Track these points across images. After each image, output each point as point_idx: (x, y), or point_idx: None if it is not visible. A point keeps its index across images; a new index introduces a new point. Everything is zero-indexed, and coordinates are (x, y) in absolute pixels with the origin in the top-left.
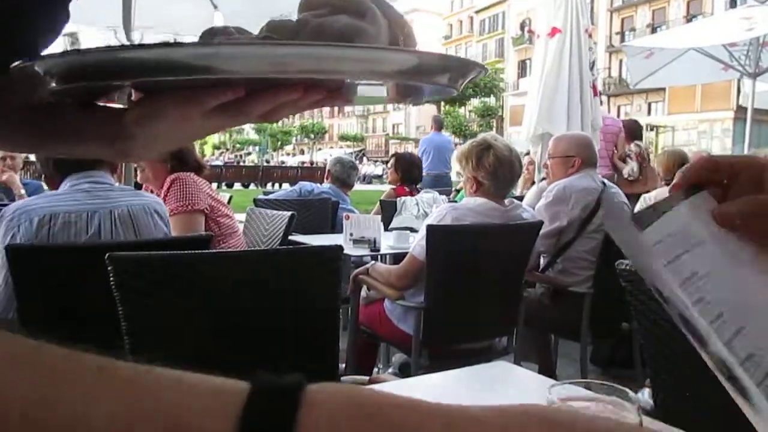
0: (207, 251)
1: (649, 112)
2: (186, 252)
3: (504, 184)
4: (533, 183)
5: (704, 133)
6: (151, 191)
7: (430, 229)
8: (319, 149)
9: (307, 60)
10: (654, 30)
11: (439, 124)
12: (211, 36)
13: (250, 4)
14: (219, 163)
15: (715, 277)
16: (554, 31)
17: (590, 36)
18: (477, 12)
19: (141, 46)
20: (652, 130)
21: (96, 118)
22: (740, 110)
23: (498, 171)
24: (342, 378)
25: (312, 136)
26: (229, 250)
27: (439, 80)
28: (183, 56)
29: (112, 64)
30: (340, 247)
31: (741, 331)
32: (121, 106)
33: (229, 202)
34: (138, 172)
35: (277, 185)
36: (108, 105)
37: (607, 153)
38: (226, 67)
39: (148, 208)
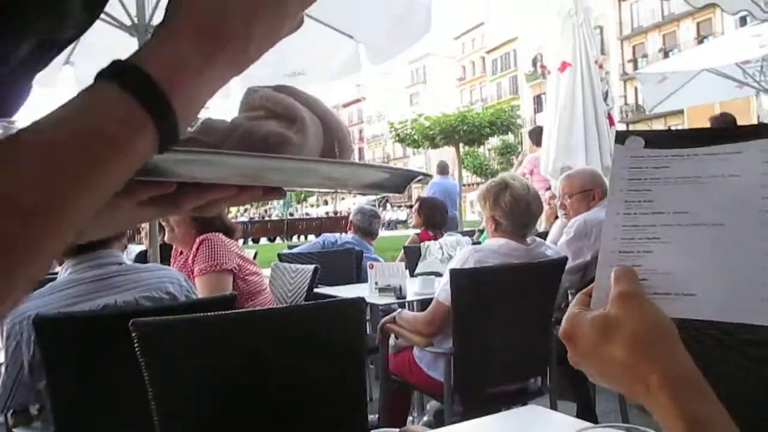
0: (228, 311)
1: None
2: (208, 314)
3: (521, 223)
4: (557, 217)
5: None
6: (180, 252)
7: (454, 273)
8: (343, 198)
9: (227, 169)
10: (666, 54)
11: (442, 169)
12: None
13: (262, 63)
14: (244, 219)
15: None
16: (564, 66)
17: (601, 67)
18: (488, 52)
19: None
20: None
21: None
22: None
23: (514, 210)
24: (372, 431)
25: None
26: (251, 308)
27: (369, 190)
28: None
29: None
30: (361, 300)
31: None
32: None
33: (254, 258)
34: (166, 232)
35: (302, 237)
36: None
37: None
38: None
39: (159, 291)
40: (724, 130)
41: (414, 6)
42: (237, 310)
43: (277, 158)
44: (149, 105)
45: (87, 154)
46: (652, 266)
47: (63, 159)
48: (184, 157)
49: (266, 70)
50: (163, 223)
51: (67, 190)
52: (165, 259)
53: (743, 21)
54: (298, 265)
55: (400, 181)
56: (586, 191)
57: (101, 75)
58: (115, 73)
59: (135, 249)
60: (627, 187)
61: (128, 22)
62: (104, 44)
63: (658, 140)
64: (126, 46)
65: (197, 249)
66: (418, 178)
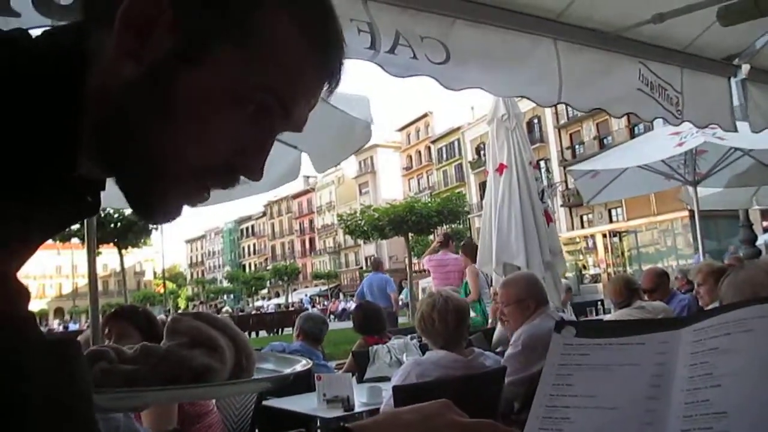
0: None
1: (610, 219)
2: None
3: (440, 338)
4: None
5: (667, 231)
6: None
7: (396, 389)
8: (295, 289)
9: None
10: (601, 141)
11: (376, 265)
12: (94, 360)
13: None
14: None
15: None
16: (502, 167)
17: (535, 167)
18: (433, 142)
19: None
20: (615, 236)
21: None
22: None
23: (429, 328)
24: None
25: (285, 278)
26: None
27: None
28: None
29: None
30: None
31: None
32: None
33: None
34: None
35: (254, 334)
36: None
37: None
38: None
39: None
40: (640, 323)
41: (354, 122)
42: None
43: (197, 387)
44: None
45: None
46: None
47: None
48: (125, 395)
49: None
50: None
51: None
52: None
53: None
54: None
55: (288, 379)
56: (521, 301)
57: None
58: None
59: None
60: (556, 372)
61: None
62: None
63: (586, 330)
64: None
65: None
66: (300, 370)
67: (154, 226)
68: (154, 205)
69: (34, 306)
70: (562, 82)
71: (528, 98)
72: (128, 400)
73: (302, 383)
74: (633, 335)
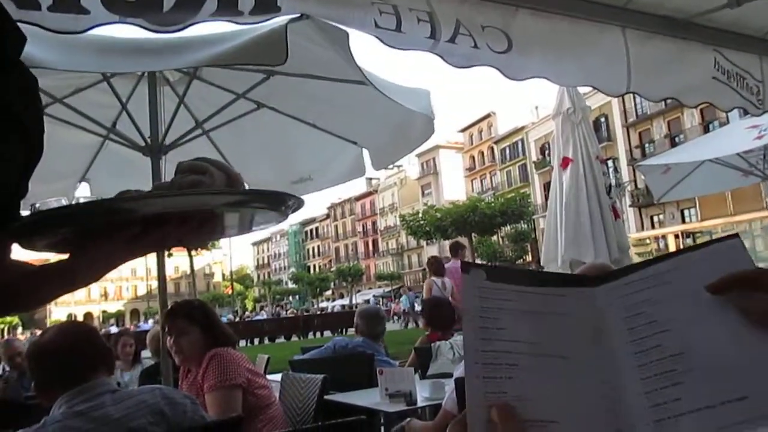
0: None
1: (683, 220)
2: None
3: None
4: None
5: (744, 233)
6: (188, 371)
7: (458, 382)
8: (358, 291)
9: (163, 203)
10: (672, 140)
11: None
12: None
13: (269, 170)
14: (260, 317)
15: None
16: (567, 162)
17: (603, 162)
18: (496, 143)
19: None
20: (688, 236)
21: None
22: None
23: None
24: None
25: (349, 279)
26: None
27: (261, 208)
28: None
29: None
30: None
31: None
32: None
33: (267, 364)
34: (174, 356)
35: (318, 334)
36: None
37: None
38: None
39: (154, 414)
40: (549, 275)
41: (413, 116)
42: None
43: (191, 193)
44: None
45: None
46: (517, 393)
47: None
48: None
49: (273, 176)
50: (171, 349)
51: None
52: (175, 371)
53: (744, 110)
54: (308, 375)
55: (270, 201)
56: None
57: None
58: None
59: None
60: (479, 314)
61: (142, 143)
62: (118, 162)
63: (497, 275)
64: (138, 165)
65: (207, 365)
66: (291, 202)
67: None
68: None
69: (112, 307)
70: (630, 70)
71: (595, 87)
72: (139, 204)
73: (364, 378)
74: (549, 287)
